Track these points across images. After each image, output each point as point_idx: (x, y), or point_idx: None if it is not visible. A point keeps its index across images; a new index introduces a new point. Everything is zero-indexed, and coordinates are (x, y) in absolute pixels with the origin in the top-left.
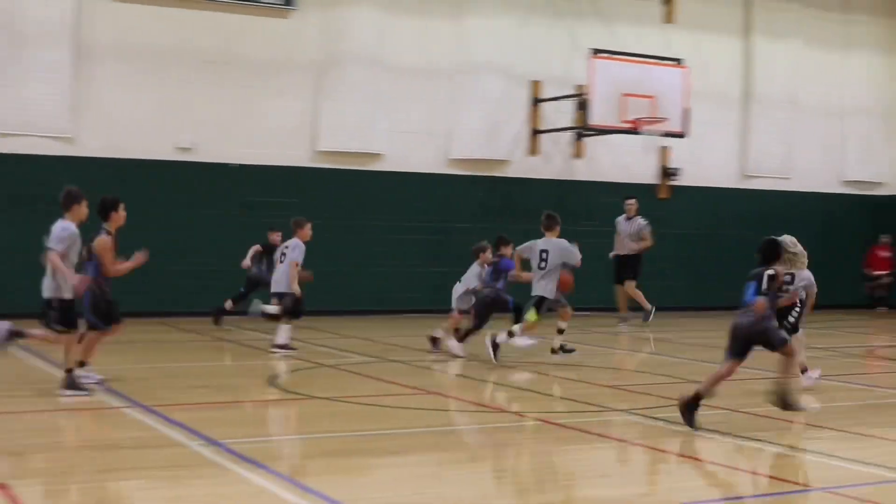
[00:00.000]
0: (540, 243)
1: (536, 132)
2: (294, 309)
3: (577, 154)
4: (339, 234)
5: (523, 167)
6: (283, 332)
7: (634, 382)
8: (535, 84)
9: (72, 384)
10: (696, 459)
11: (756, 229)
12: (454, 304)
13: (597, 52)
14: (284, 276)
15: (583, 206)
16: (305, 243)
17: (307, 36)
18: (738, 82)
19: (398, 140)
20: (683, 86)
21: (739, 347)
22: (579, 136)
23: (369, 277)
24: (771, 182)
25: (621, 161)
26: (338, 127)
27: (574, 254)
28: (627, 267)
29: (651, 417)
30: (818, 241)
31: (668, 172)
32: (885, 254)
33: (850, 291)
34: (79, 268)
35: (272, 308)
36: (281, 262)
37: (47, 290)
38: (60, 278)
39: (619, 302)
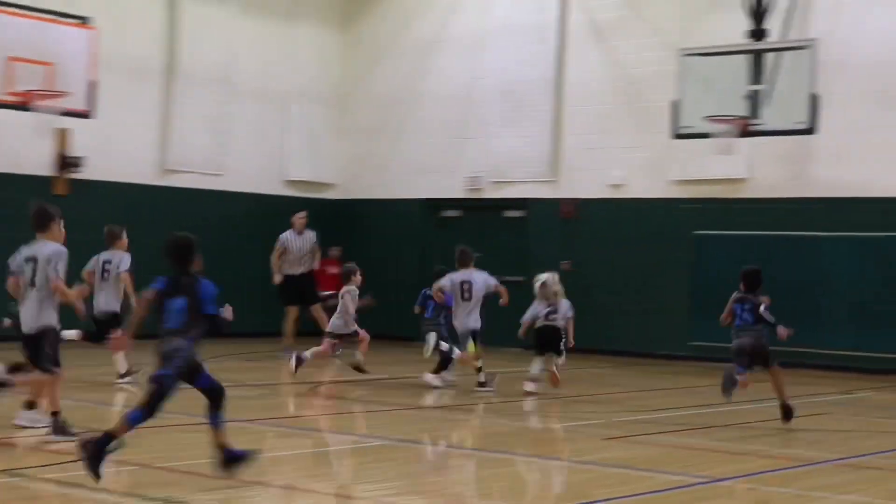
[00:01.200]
0: (459, 276)
1: None
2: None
3: None
4: None
5: None
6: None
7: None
8: None
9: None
10: None
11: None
12: (334, 329)
13: None
14: (116, 293)
15: None
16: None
17: None
18: (160, 53)
19: None
20: (90, 52)
21: (749, 361)
22: None
23: None
24: (199, 179)
25: (6, 145)
26: None
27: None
28: (306, 288)
29: (39, 479)
30: (259, 252)
31: (67, 162)
32: (333, 270)
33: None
34: None
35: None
36: (104, 278)
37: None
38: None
39: (287, 327)
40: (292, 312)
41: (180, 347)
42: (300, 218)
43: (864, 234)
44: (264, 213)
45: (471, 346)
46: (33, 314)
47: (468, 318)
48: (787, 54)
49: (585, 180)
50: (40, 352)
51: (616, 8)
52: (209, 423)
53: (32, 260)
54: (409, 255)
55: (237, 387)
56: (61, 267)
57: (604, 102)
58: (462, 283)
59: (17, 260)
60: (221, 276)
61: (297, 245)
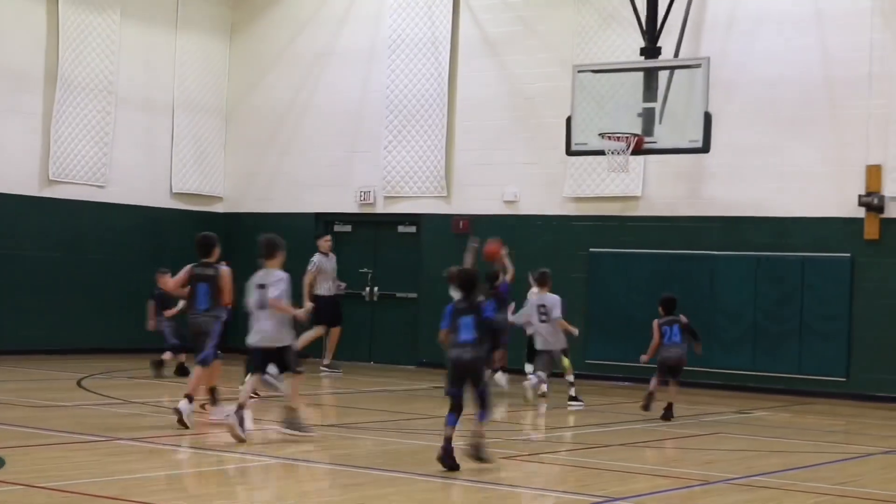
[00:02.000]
0: (535, 300)
1: None
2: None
3: None
4: None
5: None
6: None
7: None
8: None
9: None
10: None
11: (67, 250)
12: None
13: None
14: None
15: None
16: None
17: None
18: (40, 60)
19: None
20: None
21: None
22: None
23: None
24: (83, 190)
25: None
26: None
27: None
28: (337, 310)
29: None
30: (145, 265)
31: None
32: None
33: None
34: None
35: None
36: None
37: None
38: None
39: (331, 343)
40: (320, 332)
41: (476, 357)
42: (326, 240)
43: (759, 254)
44: (150, 226)
45: (565, 362)
46: (273, 333)
47: (553, 339)
48: (681, 73)
49: (479, 196)
50: (282, 361)
51: (509, 23)
52: (445, 420)
53: (262, 286)
54: (300, 270)
55: (123, 404)
56: (285, 290)
57: (497, 118)
58: (539, 306)
59: (251, 285)
60: (105, 289)
61: (328, 267)
